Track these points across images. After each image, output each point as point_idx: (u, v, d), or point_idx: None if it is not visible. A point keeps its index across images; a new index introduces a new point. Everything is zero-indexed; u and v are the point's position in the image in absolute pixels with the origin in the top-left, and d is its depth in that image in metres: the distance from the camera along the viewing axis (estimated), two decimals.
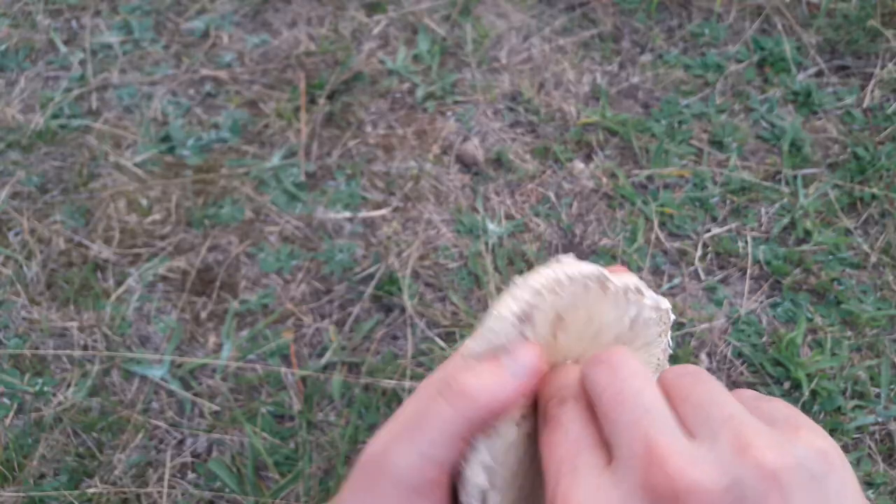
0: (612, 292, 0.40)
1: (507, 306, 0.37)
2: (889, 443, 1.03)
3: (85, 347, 1.10)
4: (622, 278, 0.41)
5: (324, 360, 1.09)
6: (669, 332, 0.43)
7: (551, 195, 1.26)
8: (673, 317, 0.42)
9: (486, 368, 0.33)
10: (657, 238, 1.21)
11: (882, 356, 1.09)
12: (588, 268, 0.39)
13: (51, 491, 0.98)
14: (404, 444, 0.31)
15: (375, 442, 0.32)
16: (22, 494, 0.98)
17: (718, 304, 1.15)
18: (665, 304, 0.43)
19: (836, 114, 1.36)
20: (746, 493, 0.24)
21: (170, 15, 1.50)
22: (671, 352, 0.43)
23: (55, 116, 1.35)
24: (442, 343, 1.10)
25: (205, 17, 1.50)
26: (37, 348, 1.10)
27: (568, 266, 0.39)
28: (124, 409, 1.05)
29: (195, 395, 1.06)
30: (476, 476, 0.34)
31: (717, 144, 1.31)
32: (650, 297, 0.42)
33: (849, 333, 1.11)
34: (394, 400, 1.05)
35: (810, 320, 1.13)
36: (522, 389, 0.33)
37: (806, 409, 1.04)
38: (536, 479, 0.35)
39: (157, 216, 1.23)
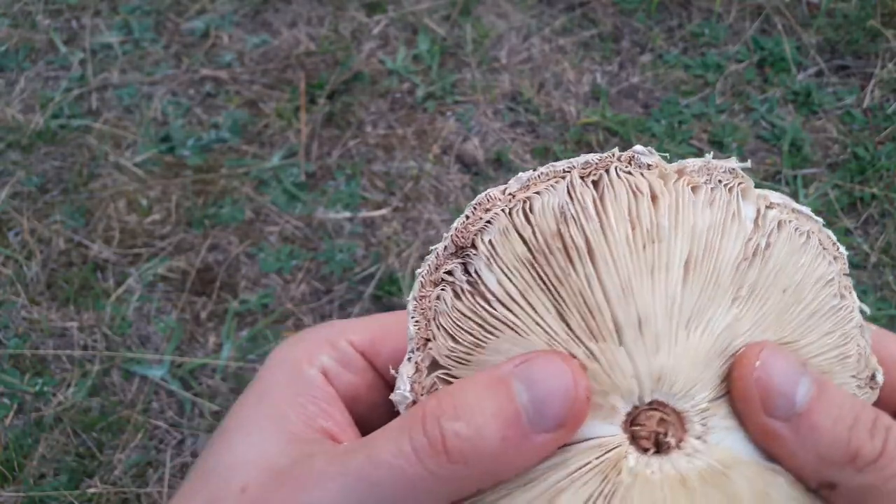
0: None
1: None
2: None
3: (85, 347, 1.10)
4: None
5: None
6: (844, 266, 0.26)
7: None
8: (834, 241, 0.26)
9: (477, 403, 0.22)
10: None
11: None
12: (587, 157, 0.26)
13: (51, 491, 0.98)
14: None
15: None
16: (22, 494, 0.98)
17: None
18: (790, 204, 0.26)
19: (836, 114, 1.36)
20: None
21: (170, 15, 1.50)
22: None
23: (55, 116, 1.35)
24: None
25: (205, 17, 1.50)
26: (37, 348, 1.10)
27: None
28: (124, 409, 1.05)
29: (195, 395, 1.06)
30: None
31: (717, 144, 1.31)
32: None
33: None
34: None
35: None
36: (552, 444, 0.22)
37: None
38: None
39: (157, 216, 1.23)
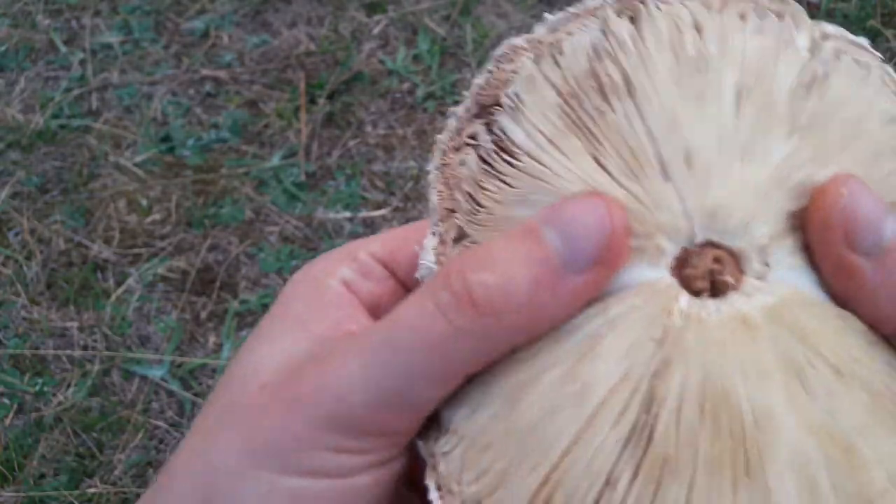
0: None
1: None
2: None
3: (85, 347, 1.10)
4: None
5: None
6: None
7: None
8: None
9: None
10: None
11: None
12: None
13: (51, 491, 0.98)
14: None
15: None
16: (22, 494, 0.98)
17: None
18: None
19: None
20: None
21: (170, 15, 1.50)
22: None
23: (55, 116, 1.35)
24: None
25: (205, 17, 1.50)
26: (37, 348, 1.10)
27: None
28: (124, 409, 1.05)
29: (195, 395, 1.06)
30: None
31: None
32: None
33: None
34: None
35: None
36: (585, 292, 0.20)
37: None
38: None
39: (157, 216, 1.23)
